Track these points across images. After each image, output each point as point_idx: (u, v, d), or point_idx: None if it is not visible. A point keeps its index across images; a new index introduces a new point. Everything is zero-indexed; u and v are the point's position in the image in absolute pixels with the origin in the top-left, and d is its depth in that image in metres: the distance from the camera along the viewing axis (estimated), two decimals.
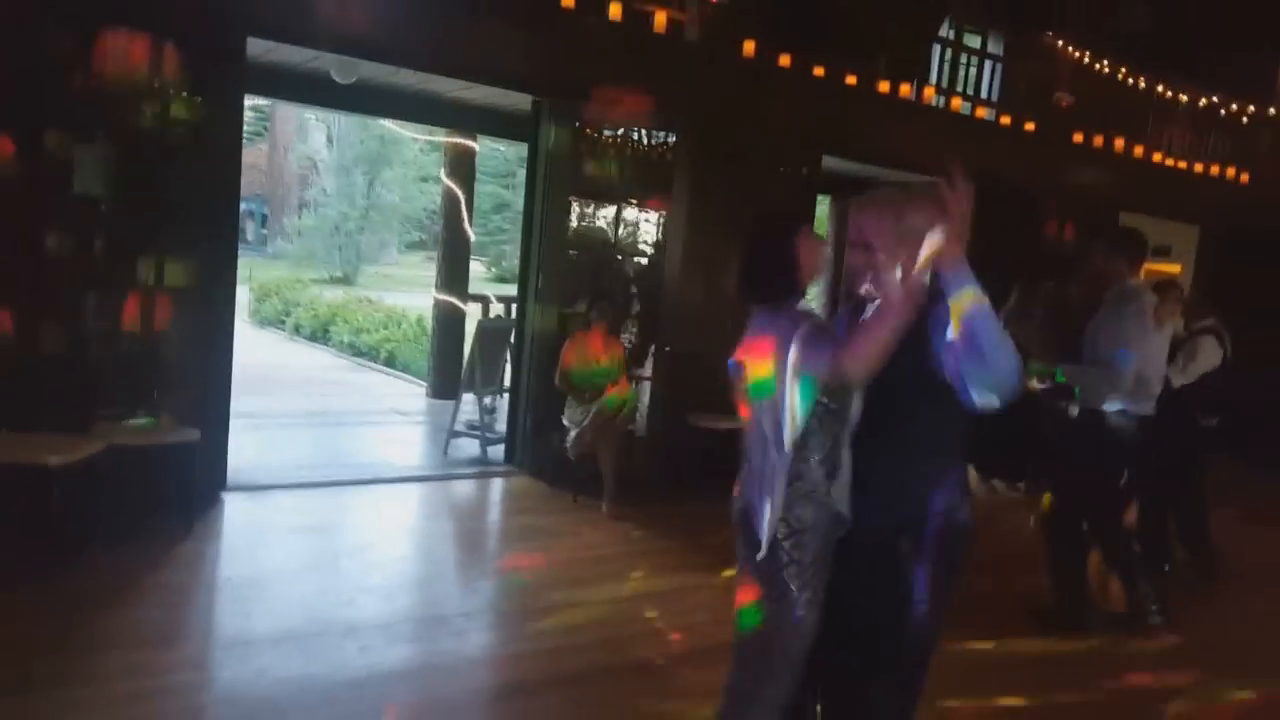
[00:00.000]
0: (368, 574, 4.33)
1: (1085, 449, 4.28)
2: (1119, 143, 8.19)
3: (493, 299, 8.78)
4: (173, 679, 3.15)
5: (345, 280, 23.12)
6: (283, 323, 13.73)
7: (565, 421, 5.74)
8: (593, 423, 5.51)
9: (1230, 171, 8.96)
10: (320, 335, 12.73)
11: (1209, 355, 5.02)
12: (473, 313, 8.35)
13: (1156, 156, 8.40)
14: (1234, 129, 8.91)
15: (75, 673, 3.07)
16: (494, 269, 28.14)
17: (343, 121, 24.33)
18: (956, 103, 7.48)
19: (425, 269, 29.52)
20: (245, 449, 5.42)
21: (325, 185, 25.95)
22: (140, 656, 3.25)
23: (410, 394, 9.15)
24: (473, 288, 9.16)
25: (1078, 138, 7.99)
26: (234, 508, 4.99)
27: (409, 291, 19.03)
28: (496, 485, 6.02)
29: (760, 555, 2.19)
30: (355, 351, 11.77)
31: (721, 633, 3.87)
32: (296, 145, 27.18)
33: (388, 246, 29.52)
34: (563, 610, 4.00)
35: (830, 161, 6.98)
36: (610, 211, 6.24)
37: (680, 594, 4.35)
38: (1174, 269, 9.05)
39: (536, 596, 4.15)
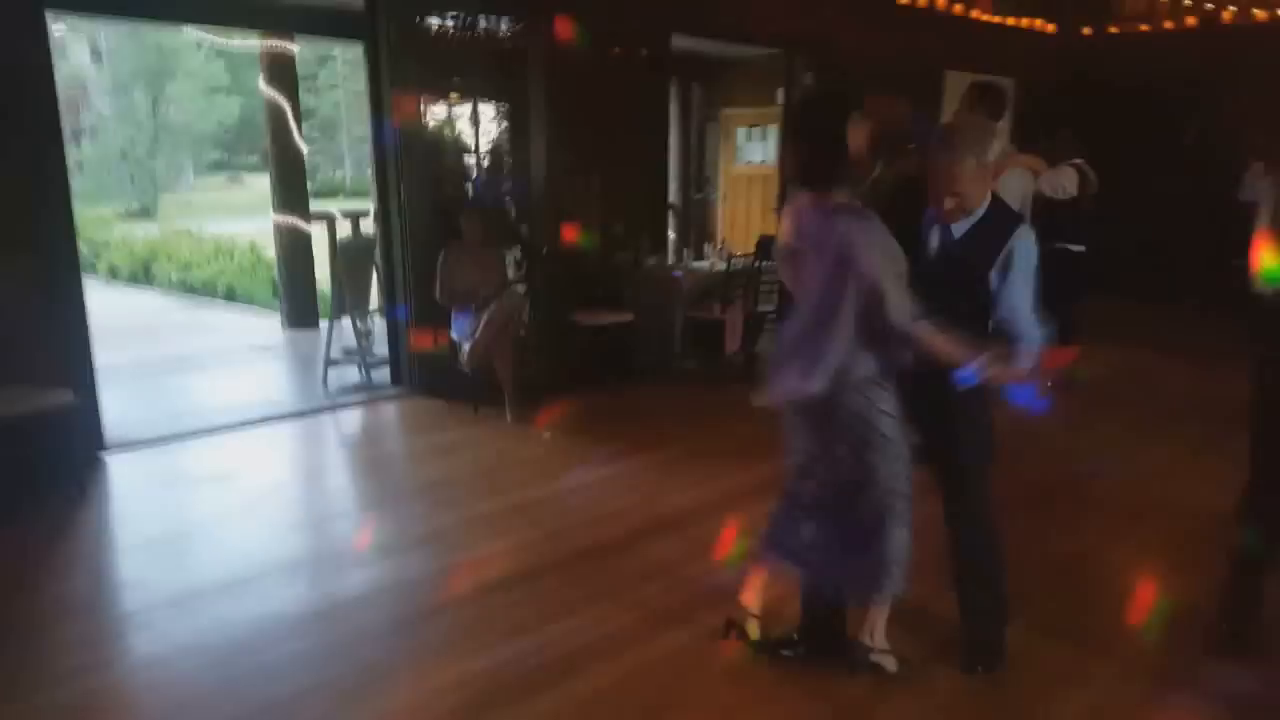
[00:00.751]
0: (289, 512, 4.23)
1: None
2: (940, 2, 8.59)
3: (338, 215, 8.31)
4: (122, 643, 3.04)
5: (145, 213, 21.12)
6: (94, 267, 12.47)
7: (454, 336, 5.66)
8: (484, 333, 5.47)
9: (1038, 23, 9.63)
10: (142, 276, 11.71)
11: (1068, 179, 5.72)
12: (318, 234, 7.91)
13: (975, 13, 8.89)
14: None
15: (5, 659, 2.89)
16: (309, 182, 26.45)
17: (109, 33, 21.65)
18: None
19: (230, 192, 27.44)
20: (111, 405, 5.05)
21: (101, 108, 23.25)
22: (76, 629, 3.09)
23: (263, 327, 8.67)
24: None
25: (902, 0, 8.32)
26: (121, 467, 4.69)
27: (220, 218, 17.61)
28: (390, 408, 5.90)
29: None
30: (187, 289, 10.94)
31: (660, 506, 4.14)
32: (57, 65, 24.02)
33: (184, 171, 27.05)
34: (503, 515, 4.08)
35: (680, 41, 6.96)
36: (465, 110, 6.01)
37: (609, 480, 4.52)
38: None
39: (470, 506, 4.19)
